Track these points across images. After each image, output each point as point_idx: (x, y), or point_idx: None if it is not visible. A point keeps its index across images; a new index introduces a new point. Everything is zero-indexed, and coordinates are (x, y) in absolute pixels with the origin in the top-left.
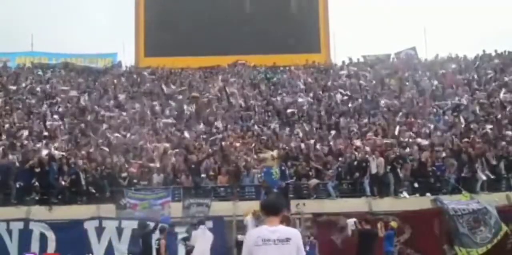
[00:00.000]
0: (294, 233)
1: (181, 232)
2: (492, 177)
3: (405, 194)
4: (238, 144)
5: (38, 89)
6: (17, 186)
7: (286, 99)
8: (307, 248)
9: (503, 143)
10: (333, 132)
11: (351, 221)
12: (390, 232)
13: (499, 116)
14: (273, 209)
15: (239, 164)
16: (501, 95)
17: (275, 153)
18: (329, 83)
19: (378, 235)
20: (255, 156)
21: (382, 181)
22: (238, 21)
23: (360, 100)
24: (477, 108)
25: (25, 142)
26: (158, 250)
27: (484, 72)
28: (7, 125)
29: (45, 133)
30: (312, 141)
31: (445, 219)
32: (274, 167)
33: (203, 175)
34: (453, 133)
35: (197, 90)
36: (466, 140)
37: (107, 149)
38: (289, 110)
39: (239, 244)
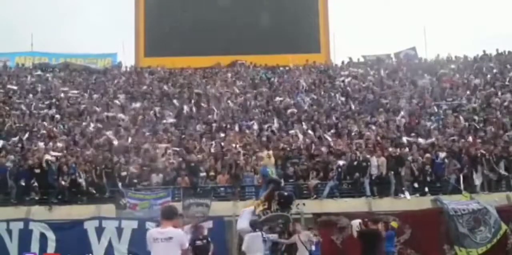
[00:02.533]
0: (176, 233)
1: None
2: (491, 175)
3: (405, 194)
4: (238, 144)
5: (38, 89)
6: (17, 186)
7: (286, 99)
8: (313, 248)
9: (503, 143)
10: (333, 132)
11: (355, 222)
12: (390, 232)
13: (499, 116)
14: (168, 214)
15: (239, 164)
16: (501, 95)
17: (270, 152)
18: (329, 83)
19: (382, 236)
20: (254, 157)
21: (383, 181)
22: (238, 21)
23: (360, 100)
24: (477, 108)
25: (25, 142)
26: None
27: (484, 72)
28: (7, 126)
29: (44, 132)
30: (312, 141)
31: (445, 219)
32: (270, 166)
33: (203, 174)
34: (453, 133)
35: (196, 91)
36: (466, 140)
37: (107, 149)
38: (289, 111)
39: None
